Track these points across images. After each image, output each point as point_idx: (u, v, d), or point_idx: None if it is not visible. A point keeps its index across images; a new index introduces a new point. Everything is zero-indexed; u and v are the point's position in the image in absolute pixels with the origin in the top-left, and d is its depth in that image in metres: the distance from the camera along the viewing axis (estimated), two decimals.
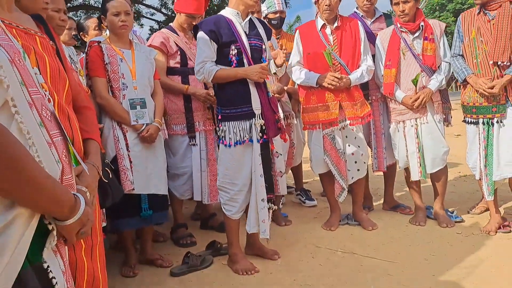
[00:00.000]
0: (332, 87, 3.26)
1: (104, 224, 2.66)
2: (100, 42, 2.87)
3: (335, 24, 3.39)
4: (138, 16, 15.55)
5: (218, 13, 2.82)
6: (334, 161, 3.39)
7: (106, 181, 1.61)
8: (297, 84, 3.58)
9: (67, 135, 1.30)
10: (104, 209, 2.56)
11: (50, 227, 1.00)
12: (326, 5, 3.28)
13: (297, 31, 3.59)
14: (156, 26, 15.83)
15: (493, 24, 3.07)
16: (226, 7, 2.84)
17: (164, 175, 3.02)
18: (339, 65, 3.35)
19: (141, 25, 15.56)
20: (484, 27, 3.12)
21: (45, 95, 1.14)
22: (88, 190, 1.32)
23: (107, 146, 2.79)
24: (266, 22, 4.07)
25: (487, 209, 3.41)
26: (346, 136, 3.39)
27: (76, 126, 1.47)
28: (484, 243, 2.99)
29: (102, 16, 2.92)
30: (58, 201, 0.99)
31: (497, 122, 3.10)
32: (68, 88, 1.50)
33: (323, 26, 3.42)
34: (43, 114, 1.06)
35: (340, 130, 3.37)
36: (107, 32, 3.15)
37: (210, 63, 2.69)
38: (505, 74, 3.02)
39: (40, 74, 1.34)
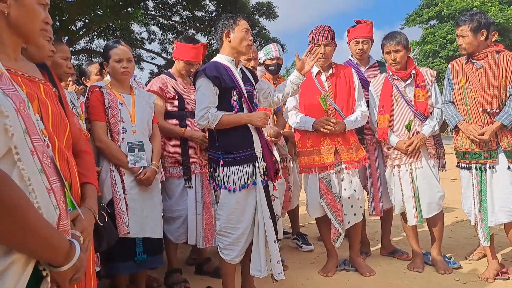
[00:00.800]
0: (328, 132, 3.31)
1: (98, 269, 2.63)
2: (102, 87, 2.94)
3: (330, 71, 3.49)
4: (138, 60, 15.96)
5: (213, 60, 2.89)
6: (330, 205, 3.39)
7: (102, 224, 1.61)
8: (293, 128, 3.64)
9: (65, 179, 1.32)
10: (98, 254, 2.54)
11: (44, 273, 1.01)
12: (321, 53, 3.40)
13: None
14: (156, 69, 16.20)
15: (481, 73, 3.17)
16: (218, 54, 2.91)
17: (160, 218, 3.01)
18: (334, 110, 3.42)
19: (141, 69, 15.94)
20: (473, 75, 3.22)
21: (45, 140, 1.17)
22: (84, 235, 1.33)
23: (104, 188, 2.80)
24: (264, 68, 4.21)
25: (485, 255, 3.38)
26: (342, 180, 3.41)
27: (75, 171, 1.50)
28: None
29: (104, 62, 3.00)
30: (54, 248, 1.00)
31: (489, 168, 3.13)
32: (68, 133, 1.53)
33: (318, 73, 3.51)
34: (44, 161, 1.09)
35: (335, 174, 3.39)
36: (108, 77, 3.23)
37: (214, 108, 2.73)
38: (495, 121, 3.09)
39: (42, 120, 1.39)
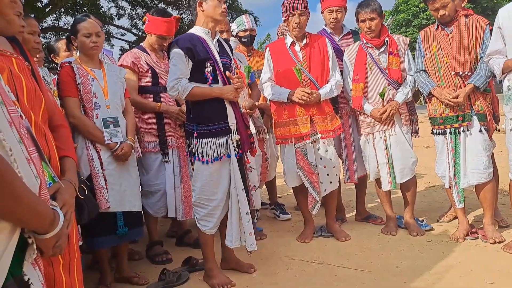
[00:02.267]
0: (303, 102, 3.35)
1: (80, 243, 2.65)
2: (71, 62, 2.88)
3: (304, 41, 3.50)
4: (108, 37, 15.56)
5: (189, 31, 2.87)
6: (307, 174, 3.45)
7: (82, 197, 1.63)
8: (269, 100, 3.66)
9: (43, 153, 1.32)
10: (80, 228, 2.55)
11: (30, 240, 1.03)
12: (295, 23, 3.39)
13: (267, 48, 3.68)
14: (126, 46, 15.85)
15: (452, 37, 3.24)
16: (195, 26, 2.88)
17: (138, 192, 3.03)
18: (309, 80, 3.44)
19: (112, 46, 15.53)
20: (444, 41, 3.29)
21: (18, 112, 1.17)
22: (65, 207, 1.35)
23: (80, 165, 2.78)
24: (238, 40, 4.18)
25: (456, 217, 3.52)
26: (318, 149, 3.47)
27: (53, 144, 1.50)
28: (453, 250, 3.10)
29: (72, 36, 2.90)
30: (40, 216, 1.02)
31: (463, 131, 3.23)
32: (44, 108, 1.53)
33: (292, 43, 3.52)
34: (21, 131, 1.09)
35: (311, 143, 3.45)
36: (78, 52, 3.17)
37: (185, 80, 2.72)
38: (467, 84, 3.18)
39: (16, 94, 1.37)
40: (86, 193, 1.68)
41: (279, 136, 3.55)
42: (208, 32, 2.84)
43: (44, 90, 1.60)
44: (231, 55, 2.98)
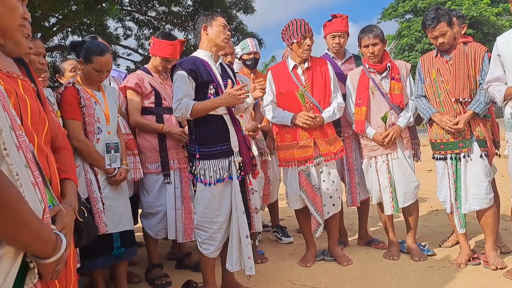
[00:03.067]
0: (307, 126, 3.37)
1: (78, 265, 2.63)
2: (74, 83, 2.85)
3: (306, 65, 3.53)
4: (114, 56, 15.72)
5: (192, 55, 2.91)
6: (310, 196, 3.45)
7: (82, 220, 1.62)
8: (271, 123, 3.68)
9: (45, 175, 1.33)
10: (78, 250, 2.54)
11: (31, 265, 1.03)
12: (308, 45, 3.42)
13: (269, 71, 3.72)
14: (132, 66, 16.00)
15: (451, 64, 3.28)
16: (198, 50, 2.92)
17: (130, 210, 3.04)
18: (311, 104, 3.47)
19: (118, 65, 15.69)
20: (443, 67, 3.32)
21: (23, 135, 1.19)
22: (65, 230, 1.34)
23: (78, 188, 2.78)
24: (242, 63, 4.23)
25: (458, 242, 3.50)
26: (321, 172, 3.47)
27: (54, 167, 1.51)
28: (455, 276, 3.07)
29: (81, 60, 2.85)
30: (44, 241, 1.03)
31: (464, 157, 3.23)
32: (47, 129, 1.54)
33: (295, 66, 3.55)
34: (27, 156, 1.10)
35: (315, 166, 3.45)
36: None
37: (187, 98, 2.73)
38: (467, 110, 3.19)
39: (21, 116, 1.39)
40: (86, 215, 1.68)
41: (282, 159, 3.55)
42: (211, 55, 2.88)
43: (48, 111, 1.61)
44: (233, 78, 3.01)
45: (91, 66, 2.81)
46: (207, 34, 2.85)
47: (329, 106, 3.51)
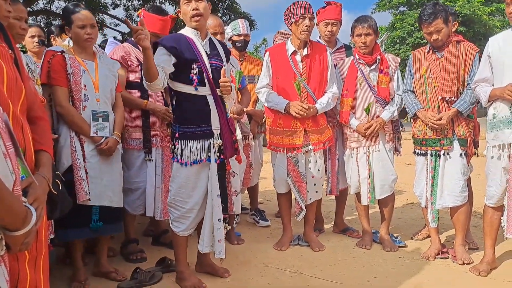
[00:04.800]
0: (300, 116, 3.38)
1: (52, 236, 2.63)
2: (63, 51, 2.87)
3: (305, 52, 3.49)
4: (101, 26, 15.36)
5: (179, 32, 2.85)
6: (296, 182, 3.50)
7: (56, 192, 1.61)
8: (264, 106, 3.67)
9: (19, 145, 1.31)
10: (52, 221, 2.53)
11: None
12: (306, 26, 3.37)
13: (267, 53, 3.67)
14: (120, 37, 15.68)
15: (442, 62, 3.29)
16: (185, 27, 2.86)
17: (120, 188, 3.02)
18: (306, 93, 3.46)
19: (104, 35, 15.37)
20: (434, 65, 3.33)
21: None
22: (36, 203, 1.33)
23: (62, 155, 2.78)
24: (231, 44, 4.19)
25: (429, 236, 3.57)
26: (309, 160, 3.51)
27: (29, 137, 1.48)
28: (423, 268, 3.15)
29: (66, 27, 2.90)
30: (14, 213, 1.01)
31: (444, 154, 3.29)
32: (23, 98, 1.51)
33: (294, 52, 3.51)
34: (0, 125, 1.08)
35: (303, 154, 3.49)
36: (67, 41, 3.14)
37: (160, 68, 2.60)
38: (452, 108, 3.23)
39: None
40: (61, 188, 1.67)
41: (271, 143, 3.58)
42: (197, 33, 2.81)
43: (25, 80, 1.58)
44: (223, 57, 2.93)
45: (74, 26, 2.84)
46: (181, 17, 2.83)
47: (323, 95, 3.51)
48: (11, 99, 1.42)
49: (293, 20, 3.41)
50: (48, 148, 1.58)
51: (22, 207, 1.05)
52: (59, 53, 2.85)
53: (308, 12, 3.38)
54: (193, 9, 2.73)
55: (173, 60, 2.69)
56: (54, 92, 2.80)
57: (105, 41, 4.25)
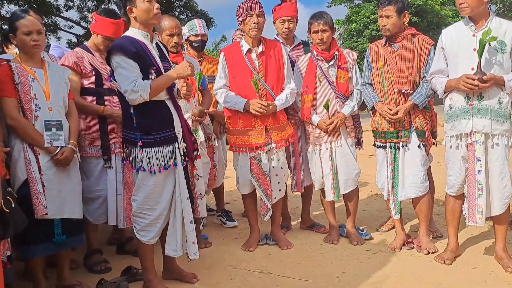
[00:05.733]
0: (259, 114, 3.35)
1: (9, 253, 2.51)
2: (10, 60, 2.74)
3: (260, 49, 3.47)
4: (55, 28, 14.90)
5: (126, 35, 2.71)
6: (260, 182, 3.47)
7: (8, 211, 1.53)
8: (224, 107, 3.63)
9: None
10: (9, 239, 2.41)
11: None
12: (254, 23, 3.35)
13: (222, 53, 3.63)
14: (74, 39, 15.24)
15: (398, 55, 3.35)
16: (131, 28, 2.72)
17: (79, 198, 2.92)
18: (265, 90, 3.44)
19: (58, 38, 14.90)
20: (390, 57, 3.39)
21: None
22: None
23: (16, 169, 2.66)
24: (188, 45, 4.12)
25: (394, 227, 3.65)
26: (272, 158, 3.50)
27: None
28: (390, 260, 3.21)
29: (10, 34, 2.78)
30: None
31: (402, 146, 3.35)
32: None
33: (249, 50, 3.49)
34: None
35: (266, 152, 3.47)
36: (16, 49, 3.01)
37: (140, 80, 2.57)
38: (408, 101, 3.29)
39: None
40: (13, 206, 1.59)
41: (233, 144, 3.54)
42: (147, 35, 2.72)
43: None
44: (169, 59, 2.91)
45: (19, 33, 2.72)
46: (135, 17, 2.66)
47: (282, 91, 3.50)
48: None
49: (241, 19, 3.41)
50: None
51: None
52: (5, 62, 2.72)
53: (255, 9, 3.37)
54: (156, 8, 2.65)
55: (137, 66, 2.61)
56: (3, 104, 2.67)
57: (48, 46, 4.08)
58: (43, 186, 2.66)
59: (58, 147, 2.73)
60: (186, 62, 2.67)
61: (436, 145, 3.59)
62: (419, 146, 3.33)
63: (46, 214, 2.64)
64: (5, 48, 3.57)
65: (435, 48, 3.29)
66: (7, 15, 13.82)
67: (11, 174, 2.67)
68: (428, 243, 3.32)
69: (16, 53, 2.92)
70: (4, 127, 2.73)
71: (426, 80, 3.26)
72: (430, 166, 3.54)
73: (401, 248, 3.38)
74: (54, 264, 3.06)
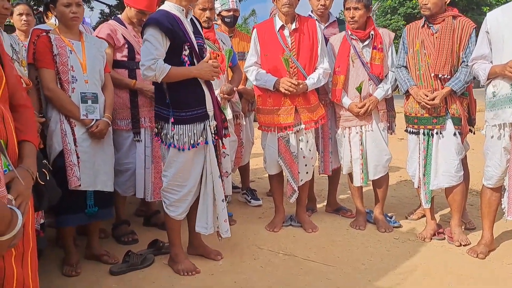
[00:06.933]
0: (289, 93, 3.28)
1: (42, 221, 2.57)
2: (49, 31, 2.76)
3: (293, 26, 3.38)
4: None
5: (162, 8, 2.69)
6: (287, 163, 3.43)
7: (43, 183, 1.54)
8: (253, 85, 3.58)
9: (1, 137, 1.23)
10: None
11: None
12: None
13: (254, 30, 3.56)
14: (107, 10, 15.26)
15: (436, 37, 3.19)
16: (167, 2, 2.69)
17: (112, 171, 2.96)
18: (296, 68, 3.36)
19: (91, 8, 14.96)
20: (428, 40, 3.24)
21: None
22: (20, 198, 1.26)
23: (53, 139, 2.72)
24: (220, 20, 4.05)
25: (424, 215, 3.55)
26: (300, 139, 3.44)
27: (11, 127, 1.40)
28: (419, 250, 3.14)
29: (50, 5, 2.79)
30: None
31: (437, 133, 3.23)
32: (4, 86, 1.42)
33: (282, 27, 3.40)
34: None
35: (294, 133, 3.41)
36: (53, 19, 3.01)
37: (161, 61, 2.57)
38: (445, 86, 3.16)
39: None
40: (48, 178, 1.59)
41: (262, 123, 3.49)
42: (183, 10, 2.68)
43: (6, 66, 1.48)
44: (203, 35, 2.87)
45: (59, 4, 2.73)
46: None
47: (314, 71, 3.41)
48: None
49: None
50: (32, 137, 1.50)
51: (6, 212, 0.98)
52: (44, 33, 2.73)
53: None
54: None
55: (168, 44, 2.59)
56: (41, 74, 2.71)
57: None
58: (78, 158, 2.71)
59: (93, 119, 2.76)
60: (211, 67, 2.63)
61: (474, 133, 3.45)
62: (454, 134, 3.20)
63: (80, 185, 2.69)
64: (45, 18, 3.59)
65: (477, 31, 3.13)
66: None
67: (47, 145, 2.73)
68: (461, 235, 3.22)
69: (55, 24, 2.92)
70: (41, 98, 2.77)
71: (466, 65, 3.11)
72: (466, 155, 3.41)
73: (431, 238, 3.29)
74: (84, 232, 3.15)
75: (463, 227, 3.40)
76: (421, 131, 3.29)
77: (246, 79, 4.03)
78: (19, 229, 1.05)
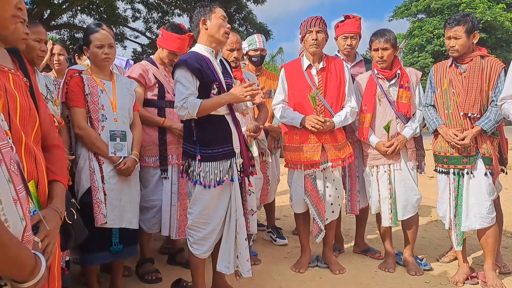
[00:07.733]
0: (315, 130, 3.29)
1: (67, 258, 2.59)
2: (81, 72, 2.87)
3: (321, 65, 3.43)
4: (122, 38, 15.63)
5: (193, 50, 2.80)
6: (314, 202, 3.38)
7: (70, 222, 1.56)
8: (280, 122, 3.60)
9: (31, 178, 1.26)
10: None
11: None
12: (313, 39, 3.32)
13: (282, 69, 3.62)
14: (139, 48, 15.89)
15: (465, 77, 3.16)
16: (197, 44, 2.81)
17: (137, 209, 2.99)
18: (323, 106, 3.37)
19: (125, 47, 15.63)
20: (456, 79, 3.21)
21: (9, 143, 1.11)
22: (48, 239, 1.28)
23: (82, 176, 2.77)
24: (247, 59, 4.14)
25: (456, 258, 3.42)
26: (326, 178, 3.40)
27: (43, 168, 1.44)
28: None
29: (84, 47, 2.92)
30: (21, 266, 0.96)
31: (467, 173, 3.14)
32: (37, 128, 1.47)
33: (309, 66, 3.45)
34: (11, 168, 1.03)
35: (321, 171, 3.38)
36: (87, 61, 3.14)
37: (192, 97, 2.63)
38: (475, 126, 3.10)
39: (9, 114, 1.31)
40: (75, 217, 1.62)
41: (288, 160, 3.49)
42: (212, 51, 2.78)
43: (41, 108, 1.54)
44: (232, 75, 2.94)
45: (92, 46, 2.85)
46: (206, 29, 2.74)
47: (341, 109, 3.42)
48: (24, 130, 1.37)
49: (301, 36, 3.41)
50: (62, 178, 1.53)
51: (29, 258, 0.99)
52: (77, 74, 2.85)
53: (315, 26, 3.33)
54: (228, 27, 2.77)
55: (197, 83, 2.67)
56: (72, 113, 2.80)
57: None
58: (105, 195, 2.75)
59: (121, 157, 2.81)
60: (242, 88, 2.63)
61: (506, 173, 3.34)
62: (485, 174, 3.10)
63: (106, 223, 2.72)
64: (77, 58, 3.75)
65: (505, 71, 3.08)
66: (80, 24, 14.68)
67: (75, 181, 2.78)
68: (495, 279, 3.07)
69: (88, 65, 3.05)
70: (71, 135, 2.85)
71: (496, 104, 3.05)
72: (498, 196, 3.29)
73: (464, 283, 3.15)
74: (108, 269, 3.15)
75: (497, 271, 3.24)
76: (451, 170, 3.21)
77: (273, 116, 4.07)
78: (43, 274, 1.05)
